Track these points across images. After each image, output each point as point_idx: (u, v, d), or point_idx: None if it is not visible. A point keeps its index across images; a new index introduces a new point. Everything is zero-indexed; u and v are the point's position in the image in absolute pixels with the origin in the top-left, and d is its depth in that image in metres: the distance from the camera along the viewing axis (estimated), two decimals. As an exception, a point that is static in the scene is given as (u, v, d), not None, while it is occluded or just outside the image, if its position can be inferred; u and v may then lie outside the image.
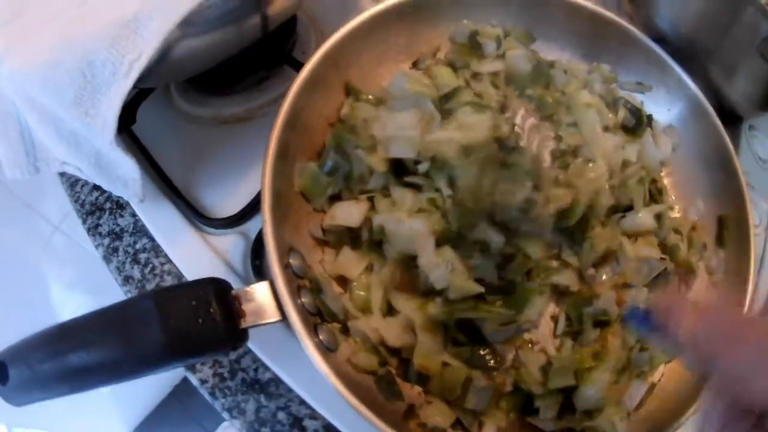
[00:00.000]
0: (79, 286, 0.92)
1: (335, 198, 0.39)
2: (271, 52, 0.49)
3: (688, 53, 0.48)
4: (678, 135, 0.47)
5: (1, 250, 0.96)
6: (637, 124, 0.46)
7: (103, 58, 0.37)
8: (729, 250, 0.45)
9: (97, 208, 0.51)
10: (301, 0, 0.44)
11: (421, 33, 0.45)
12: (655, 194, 0.46)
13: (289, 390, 0.41)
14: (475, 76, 0.45)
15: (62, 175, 0.54)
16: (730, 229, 0.45)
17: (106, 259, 0.49)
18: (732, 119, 0.54)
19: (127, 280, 0.47)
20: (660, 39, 0.48)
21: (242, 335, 0.32)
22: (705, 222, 0.46)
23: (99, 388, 0.32)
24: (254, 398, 0.42)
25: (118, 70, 0.37)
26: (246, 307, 0.31)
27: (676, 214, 0.47)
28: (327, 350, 0.33)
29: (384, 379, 0.36)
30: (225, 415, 0.42)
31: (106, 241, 0.49)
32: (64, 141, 0.44)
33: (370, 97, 0.42)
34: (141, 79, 0.37)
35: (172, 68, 0.42)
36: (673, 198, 0.48)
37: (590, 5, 0.46)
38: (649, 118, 0.47)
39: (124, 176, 0.43)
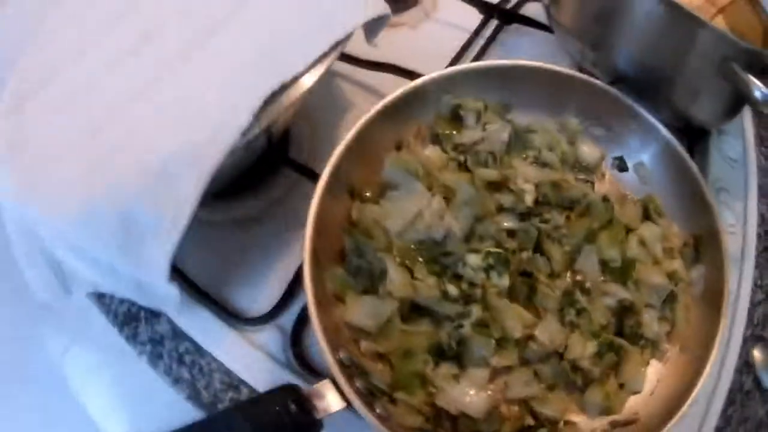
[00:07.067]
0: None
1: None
2: (271, 156, 0.69)
3: (652, 86, 0.67)
4: (647, 171, 0.68)
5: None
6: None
7: (142, 213, 0.52)
8: (706, 264, 0.66)
9: (132, 317, 0.70)
10: (297, 111, 0.64)
11: (409, 124, 0.66)
12: (654, 214, 0.67)
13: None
14: (457, 147, 0.66)
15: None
16: (705, 245, 0.65)
17: (152, 363, 0.67)
18: (701, 132, 0.76)
19: (177, 380, 0.66)
20: (623, 79, 0.69)
21: (319, 425, 0.52)
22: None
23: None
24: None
25: (161, 224, 0.53)
26: (316, 402, 0.52)
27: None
28: (384, 420, 0.53)
29: (432, 432, 0.56)
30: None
31: (148, 347, 0.68)
32: (101, 272, 0.60)
33: (369, 194, 0.63)
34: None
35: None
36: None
37: (554, 67, 0.67)
38: (621, 159, 0.69)
39: (163, 296, 0.59)
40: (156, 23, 0.61)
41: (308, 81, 0.55)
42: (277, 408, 0.51)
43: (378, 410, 0.54)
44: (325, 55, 0.55)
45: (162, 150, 0.53)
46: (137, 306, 0.71)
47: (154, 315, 0.70)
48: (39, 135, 0.60)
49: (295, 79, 0.54)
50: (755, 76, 0.59)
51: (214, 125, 0.53)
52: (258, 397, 0.52)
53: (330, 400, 0.52)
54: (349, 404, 0.52)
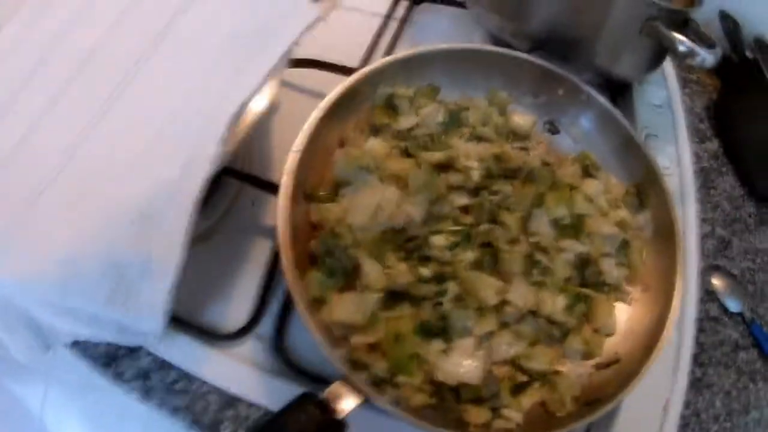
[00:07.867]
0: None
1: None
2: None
3: (573, 50, 0.74)
4: (578, 130, 0.74)
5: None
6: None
7: (129, 259, 0.53)
8: (651, 208, 0.73)
9: (112, 358, 0.70)
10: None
11: (348, 119, 0.70)
12: (591, 169, 0.73)
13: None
14: (397, 134, 0.71)
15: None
16: (647, 191, 0.72)
17: (145, 399, 0.68)
18: (623, 85, 0.83)
19: (175, 410, 0.67)
20: (542, 46, 0.75)
21: (343, 425, 0.55)
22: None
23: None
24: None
25: (151, 267, 0.54)
26: (335, 404, 0.55)
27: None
28: (397, 403, 0.58)
29: (441, 406, 0.60)
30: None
31: (136, 384, 0.69)
32: (82, 323, 0.60)
33: (322, 193, 0.66)
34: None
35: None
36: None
37: (472, 45, 0.73)
38: (551, 123, 0.75)
39: (145, 331, 0.61)
40: (82, 61, 0.61)
41: (266, 98, 0.58)
42: (303, 417, 0.54)
43: (387, 397, 0.58)
44: (274, 69, 0.57)
45: (135, 191, 0.54)
46: (114, 345, 0.72)
47: (132, 351, 0.71)
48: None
49: (251, 97, 0.57)
50: (677, 31, 0.67)
51: (185, 159, 0.55)
52: (280, 412, 0.55)
53: (346, 398, 0.56)
54: (365, 398, 0.56)
